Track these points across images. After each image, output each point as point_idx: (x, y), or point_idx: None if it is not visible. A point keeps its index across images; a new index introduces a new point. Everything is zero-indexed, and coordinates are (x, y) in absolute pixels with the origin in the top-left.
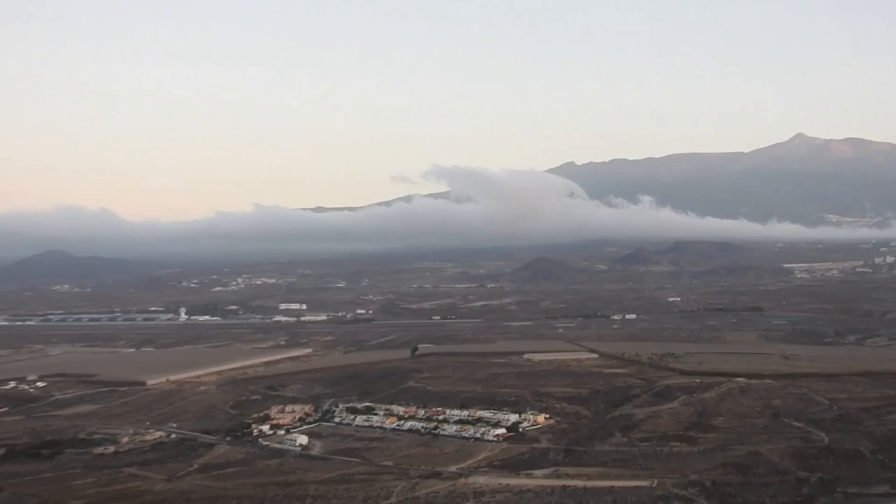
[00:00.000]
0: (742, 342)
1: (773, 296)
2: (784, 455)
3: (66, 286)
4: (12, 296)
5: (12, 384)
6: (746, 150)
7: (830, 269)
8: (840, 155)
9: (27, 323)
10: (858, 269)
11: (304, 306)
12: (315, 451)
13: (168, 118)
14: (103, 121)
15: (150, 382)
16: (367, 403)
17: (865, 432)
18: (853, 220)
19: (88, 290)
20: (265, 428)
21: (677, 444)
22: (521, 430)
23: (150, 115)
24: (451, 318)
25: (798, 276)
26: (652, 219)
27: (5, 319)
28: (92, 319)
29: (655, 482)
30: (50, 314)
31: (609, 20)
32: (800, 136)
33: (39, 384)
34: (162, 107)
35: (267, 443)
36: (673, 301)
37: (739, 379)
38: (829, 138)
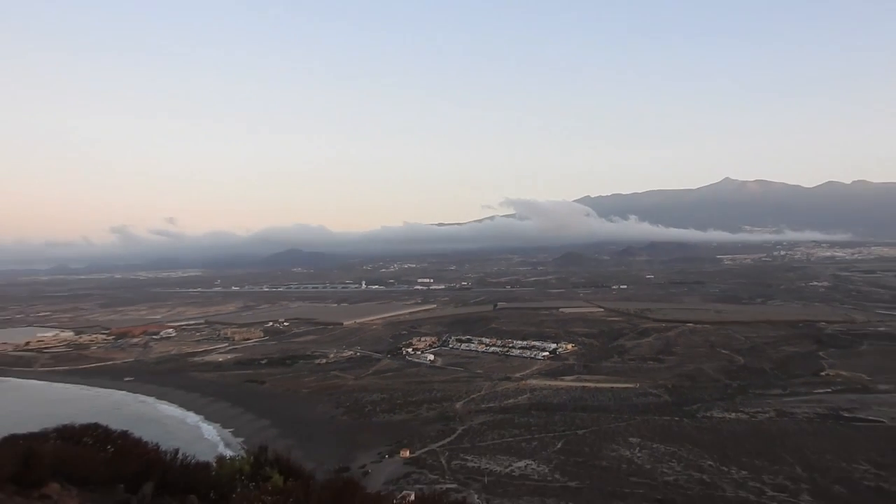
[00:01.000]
0: (691, 302)
1: (710, 275)
2: (717, 370)
3: (299, 269)
4: (269, 274)
5: (270, 324)
6: (694, 187)
7: (746, 258)
8: (752, 190)
9: (278, 290)
10: (763, 259)
11: (432, 280)
12: (438, 364)
13: (351, 168)
14: (316, 170)
15: (345, 323)
16: (468, 336)
17: (767, 357)
18: (760, 229)
19: (311, 271)
20: (410, 350)
21: (651, 362)
22: (557, 353)
23: (345, 165)
24: (516, 288)
25: (725, 262)
26: (636, 229)
27: (267, 287)
28: (313, 288)
29: (638, 385)
30: (290, 284)
31: (605, 106)
32: (727, 179)
33: (285, 324)
34: (349, 160)
35: (410, 358)
36: (649, 278)
37: (689, 324)
38: (745, 179)
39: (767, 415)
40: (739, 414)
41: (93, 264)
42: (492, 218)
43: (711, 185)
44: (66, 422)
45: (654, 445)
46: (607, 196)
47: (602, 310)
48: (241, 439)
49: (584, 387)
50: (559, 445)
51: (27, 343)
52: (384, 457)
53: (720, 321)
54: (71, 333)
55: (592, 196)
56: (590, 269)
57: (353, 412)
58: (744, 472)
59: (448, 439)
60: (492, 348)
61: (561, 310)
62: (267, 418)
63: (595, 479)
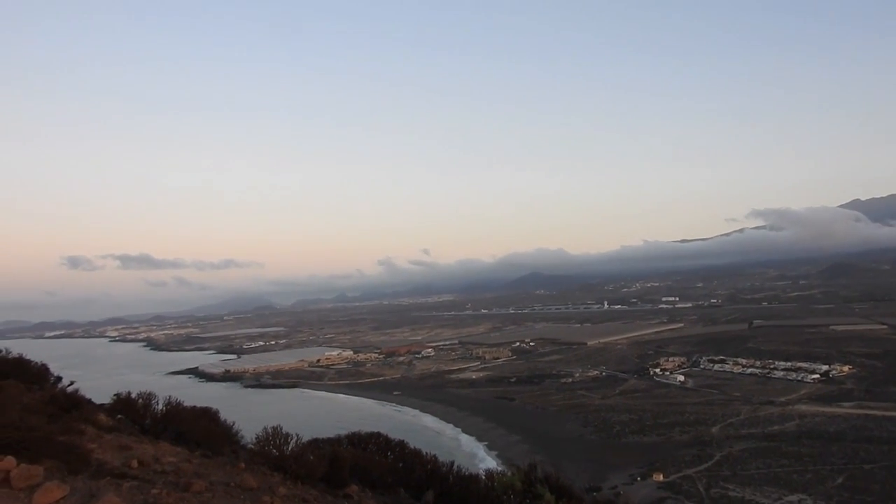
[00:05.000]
0: None
1: None
2: None
3: (541, 291)
4: (514, 297)
5: (517, 344)
6: None
7: None
8: None
9: (523, 311)
10: None
11: (677, 298)
12: (688, 385)
13: (587, 191)
14: (554, 195)
15: (589, 343)
16: (721, 357)
17: None
18: None
19: (553, 293)
20: (657, 370)
21: None
22: (830, 375)
23: (581, 189)
24: (774, 304)
25: None
26: None
27: (513, 309)
28: (556, 309)
29: None
30: (534, 306)
31: (871, 95)
32: None
33: (531, 343)
34: (584, 184)
35: (659, 379)
36: None
37: None
38: None
39: None
40: None
41: (365, 292)
42: (741, 231)
43: None
44: (350, 429)
45: None
46: (882, 198)
47: (885, 327)
48: (495, 452)
49: (867, 415)
50: (840, 480)
51: (318, 360)
52: (636, 479)
53: None
54: (350, 352)
55: (863, 199)
56: (865, 282)
57: (602, 431)
58: None
59: (705, 465)
60: (749, 369)
61: (831, 327)
62: (518, 434)
63: None
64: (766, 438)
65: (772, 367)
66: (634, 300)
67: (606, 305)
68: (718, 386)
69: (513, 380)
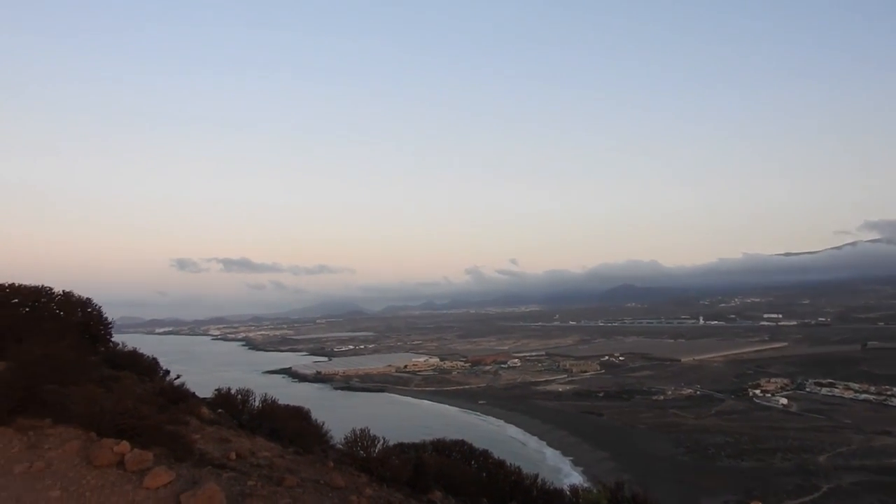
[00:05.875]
0: None
1: None
2: None
3: (632, 304)
4: (603, 309)
5: (606, 357)
6: None
7: None
8: None
9: (613, 324)
10: None
11: (780, 315)
12: (792, 409)
13: (681, 202)
14: (646, 206)
15: (683, 360)
16: (829, 380)
17: None
18: None
19: (645, 306)
20: (757, 391)
21: None
22: None
23: (675, 199)
24: (892, 324)
25: None
26: None
27: (602, 322)
28: (647, 323)
29: None
30: (624, 319)
31: None
32: None
33: (620, 358)
34: (677, 194)
35: (758, 401)
36: None
37: None
38: None
39: None
40: None
41: (452, 300)
42: (853, 244)
43: None
44: (435, 435)
45: None
46: None
47: None
48: (580, 468)
49: None
50: None
51: (405, 366)
52: None
53: None
54: (437, 360)
55: None
56: None
57: (695, 453)
58: None
59: (809, 497)
60: (862, 395)
61: None
62: (605, 450)
63: None
64: (882, 472)
65: (889, 393)
66: (732, 316)
67: (702, 321)
68: (826, 411)
69: (600, 394)
